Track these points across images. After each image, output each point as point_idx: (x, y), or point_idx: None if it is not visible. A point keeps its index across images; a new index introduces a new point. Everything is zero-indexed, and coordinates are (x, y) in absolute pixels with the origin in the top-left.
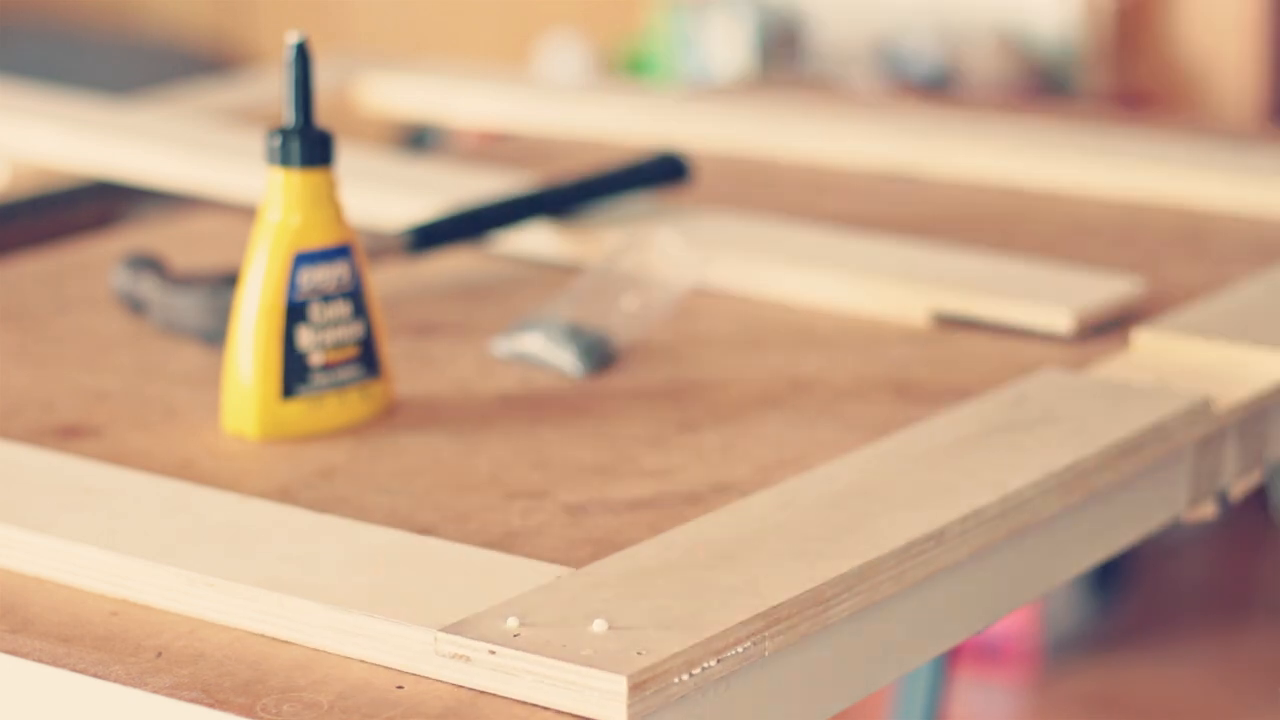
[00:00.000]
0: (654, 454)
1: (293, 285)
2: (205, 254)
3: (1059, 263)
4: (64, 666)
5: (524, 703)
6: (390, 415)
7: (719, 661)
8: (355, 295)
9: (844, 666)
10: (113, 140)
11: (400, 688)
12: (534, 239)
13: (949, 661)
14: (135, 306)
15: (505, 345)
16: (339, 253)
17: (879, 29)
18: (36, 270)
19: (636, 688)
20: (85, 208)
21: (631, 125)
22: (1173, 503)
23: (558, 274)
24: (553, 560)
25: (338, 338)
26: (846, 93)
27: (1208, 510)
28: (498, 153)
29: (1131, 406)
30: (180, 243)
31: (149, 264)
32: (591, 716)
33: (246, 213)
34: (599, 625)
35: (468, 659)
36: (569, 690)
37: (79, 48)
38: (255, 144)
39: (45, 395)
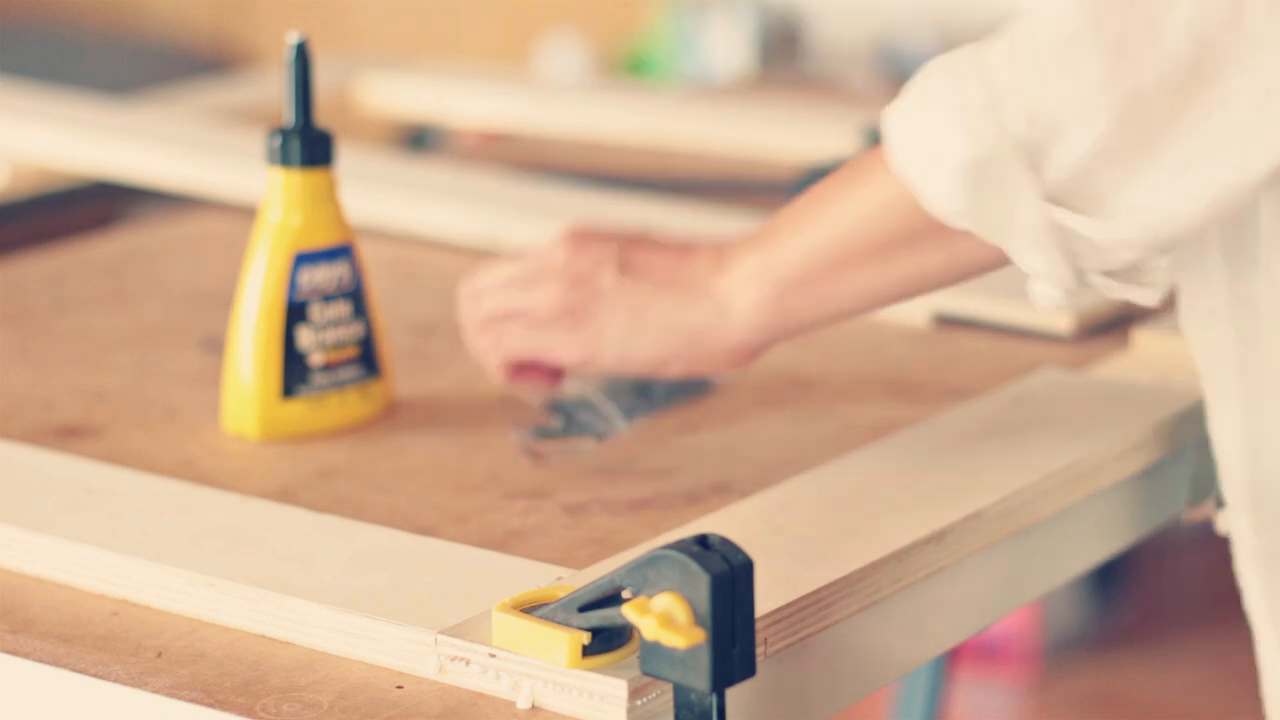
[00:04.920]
0: (654, 454)
1: (293, 285)
2: (205, 254)
3: None
4: (64, 666)
5: (524, 705)
6: (390, 415)
7: None
8: (355, 295)
9: (845, 667)
10: (113, 140)
11: (400, 688)
12: (529, 237)
13: (949, 661)
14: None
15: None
16: (339, 253)
17: (879, 29)
18: (36, 270)
19: (636, 692)
20: (85, 208)
21: (631, 125)
22: (1173, 503)
23: None
24: (553, 561)
25: (338, 338)
26: (846, 93)
27: (1207, 510)
28: (498, 153)
29: (1131, 406)
30: (180, 243)
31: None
32: None
33: (246, 213)
34: None
35: (467, 661)
36: (569, 694)
37: (79, 48)
38: (255, 144)
39: (45, 395)
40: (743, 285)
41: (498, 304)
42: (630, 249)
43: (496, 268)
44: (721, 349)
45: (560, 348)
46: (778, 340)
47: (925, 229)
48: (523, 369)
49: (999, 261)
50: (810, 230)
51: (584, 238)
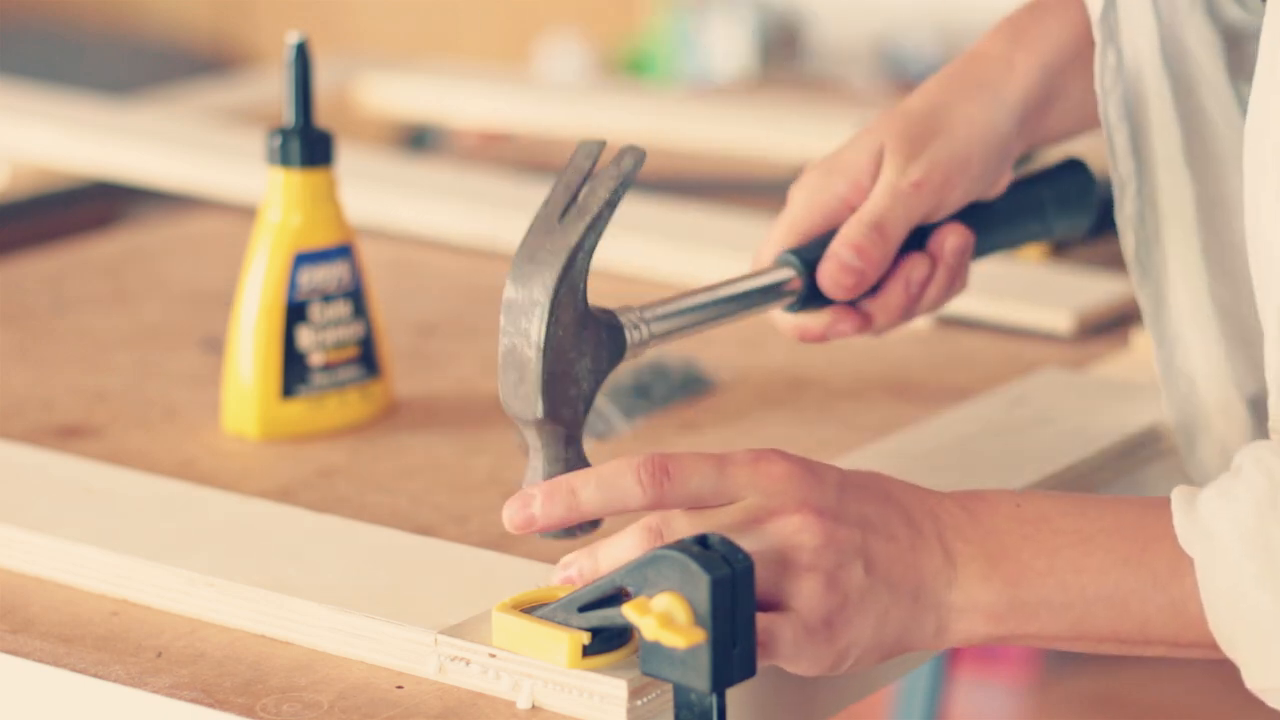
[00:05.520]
0: None
1: (293, 285)
2: (205, 254)
3: (1059, 262)
4: (64, 666)
5: (524, 705)
6: (390, 415)
7: None
8: (355, 295)
9: None
10: (113, 140)
11: (400, 688)
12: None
13: (949, 661)
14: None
15: None
16: (339, 252)
17: (879, 29)
18: (36, 270)
19: (637, 692)
20: (85, 208)
21: (632, 125)
22: None
23: None
24: (553, 561)
25: (338, 338)
26: (846, 93)
27: None
28: (498, 153)
29: (1131, 406)
30: (180, 243)
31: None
32: None
33: (246, 213)
34: None
35: (468, 661)
36: (569, 694)
37: (79, 48)
38: (255, 144)
39: (45, 395)
40: (971, 616)
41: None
42: (873, 539)
43: (691, 472)
44: (920, 649)
45: (806, 662)
46: None
47: (1205, 646)
48: None
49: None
50: (1068, 598)
51: (828, 517)
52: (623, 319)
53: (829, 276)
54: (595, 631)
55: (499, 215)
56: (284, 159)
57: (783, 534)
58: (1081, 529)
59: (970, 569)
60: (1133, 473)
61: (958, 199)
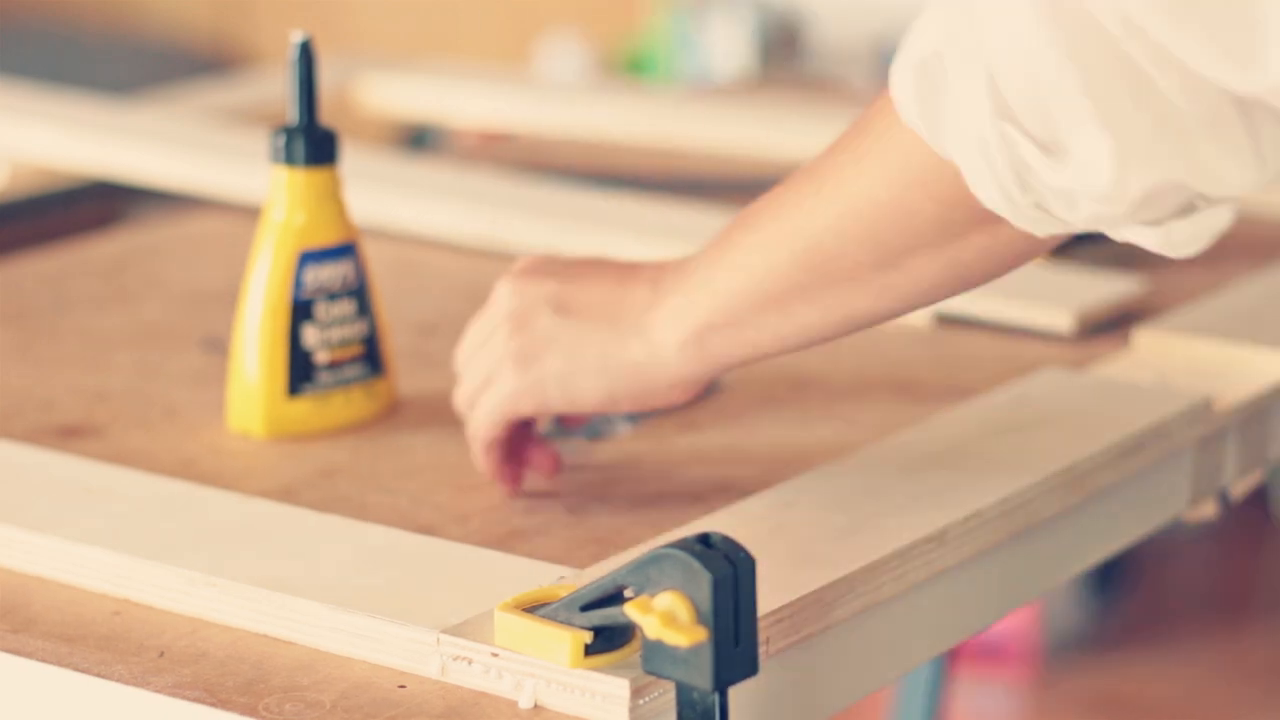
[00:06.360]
0: (655, 453)
1: (298, 284)
2: (205, 254)
3: (1060, 262)
4: (67, 666)
5: (526, 705)
6: (392, 415)
7: None
8: (360, 294)
9: (845, 667)
10: (113, 140)
11: (402, 687)
12: (529, 237)
13: (949, 661)
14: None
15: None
16: (343, 251)
17: (879, 29)
18: (36, 270)
19: (639, 691)
20: (85, 208)
21: (631, 125)
22: (1173, 503)
23: None
24: (554, 560)
25: (343, 336)
26: (846, 93)
27: (1208, 510)
28: (498, 153)
29: (1131, 406)
30: (180, 243)
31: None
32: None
33: (247, 213)
34: None
35: (470, 661)
36: (571, 693)
37: (79, 48)
38: (256, 144)
39: (45, 395)
40: (667, 325)
41: (471, 373)
42: (568, 285)
43: (468, 331)
44: (661, 385)
45: (513, 396)
46: (714, 376)
47: (835, 277)
48: (503, 453)
49: (892, 312)
50: (725, 273)
51: (525, 275)
52: None
53: None
54: (597, 631)
55: (499, 215)
56: (288, 158)
57: (489, 305)
58: (739, 221)
59: (668, 284)
60: (1133, 473)
61: None
